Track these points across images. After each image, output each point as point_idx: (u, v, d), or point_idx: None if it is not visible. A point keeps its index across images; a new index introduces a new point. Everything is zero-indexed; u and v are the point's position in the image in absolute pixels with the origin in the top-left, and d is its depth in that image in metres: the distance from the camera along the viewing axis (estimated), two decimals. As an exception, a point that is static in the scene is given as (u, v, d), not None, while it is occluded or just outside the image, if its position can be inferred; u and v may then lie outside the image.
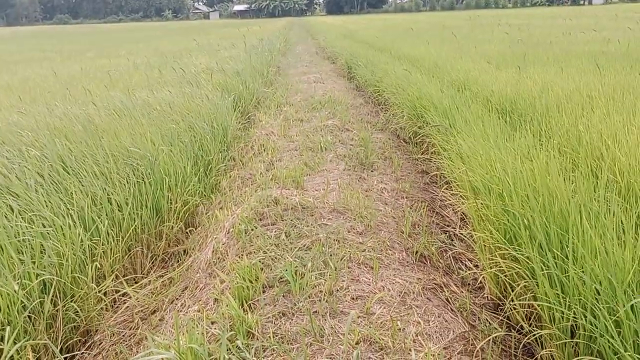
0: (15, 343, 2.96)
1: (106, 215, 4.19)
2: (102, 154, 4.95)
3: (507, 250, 3.46)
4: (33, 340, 3.15)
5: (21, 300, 3.17)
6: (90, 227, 4.04)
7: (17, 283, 3.16)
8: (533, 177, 3.71)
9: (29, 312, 3.23)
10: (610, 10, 46.13)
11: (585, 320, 2.73)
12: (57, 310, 3.39)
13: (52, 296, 3.38)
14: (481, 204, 4.06)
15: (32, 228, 3.65)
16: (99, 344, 3.50)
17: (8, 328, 2.95)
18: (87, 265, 3.76)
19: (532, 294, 3.15)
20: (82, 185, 4.43)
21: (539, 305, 3.05)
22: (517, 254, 3.31)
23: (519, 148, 4.54)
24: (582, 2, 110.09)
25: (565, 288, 2.90)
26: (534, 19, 35.03)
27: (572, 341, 2.85)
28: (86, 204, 4.15)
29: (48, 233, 3.70)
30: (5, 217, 3.67)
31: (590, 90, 6.60)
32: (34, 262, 3.41)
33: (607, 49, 11.87)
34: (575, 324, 2.84)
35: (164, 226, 4.79)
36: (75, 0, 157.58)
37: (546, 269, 2.99)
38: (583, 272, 2.79)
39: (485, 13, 62.05)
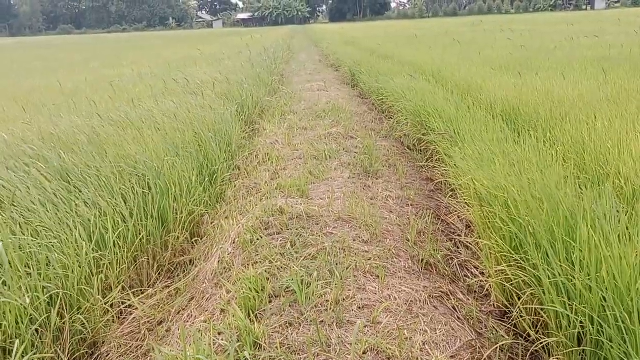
0: (22, 357, 2.96)
1: (112, 226, 4.19)
2: (108, 165, 4.97)
3: (513, 257, 3.46)
4: (40, 353, 3.15)
5: (28, 314, 3.18)
6: (97, 238, 4.05)
7: (29, 297, 3.17)
8: (538, 184, 3.71)
9: (36, 326, 3.23)
10: (613, 14, 46.10)
11: (592, 327, 2.73)
12: (64, 323, 3.39)
13: (59, 308, 3.39)
14: (487, 211, 4.06)
15: (38, 240, 3.67)
16: (106, 356, 3.50)
17: (17, 341, 2.96)
18: (93, 276, 3.76)
19: (539, 302, 3.14)
20: (88, 197, 4.44)
21: (545, 313, 3.05)
22: (524, 263, 3.30)
23: (523, 155, 4.55)
24: (584, 7, 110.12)
25: (571, 295, 2.90)
26: (537, 25, 35.05)
27: (579, 348, 2.84)
28: (92, 215, 4.17)
29: (53, 245, 3.71)
30: (11, 230, 3.69)
31: (594, 95, 6.60)
32: (40, 275, 3.41)
33: (610, 54, 11.86)
34: (582, 331, 2.84)
35: (169, 236, 4.79)
36: (78, 11, 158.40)
37: (552, 277, 2.99)
38: (589, 279, 2.79)
39: (488, 19, 62.10)
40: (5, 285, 3.22)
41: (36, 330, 3.23)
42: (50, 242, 3.71)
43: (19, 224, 3.82)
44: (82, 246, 3.78)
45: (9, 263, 3.36)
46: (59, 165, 4.89)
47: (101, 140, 5.68)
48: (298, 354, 3.00)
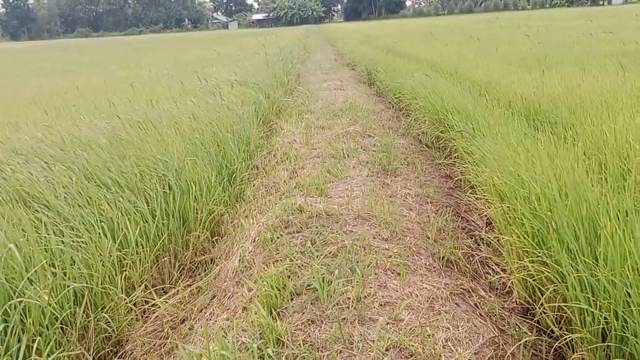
0: (49, 355, 3.01)
1: (134, 226, 4.23)
2: (129, 165, 5.02)
3: (536, 254, 3.44)
4: (67, 351, 3.19)
5: (53, 312, 3.22)
6: (120, 238, 4.09)
7: (46, 292, 3.21)
8: (560, 180, 3.69)
9: (62, 324, 3.28)
10: (630, 9, 45.55)
11: (617, 322, 2.72)
12: (89, 322, 3.43)
13: (84, 307, 3.43)
14: (508, 207, 4.04)
15: (62, 240, 3.71)
16: (130, 354, 3.54)
17: (38, 339, 3.00)
18: (116, 276, 3.81)
19: (562, 298, 3.13)
20: (110, 197, 4.48)
21: (569, 309, 3.04)
22: (546, 259, 3.29)
23: (544, 151, 4.52)
24: (601, 2, 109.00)
25: (595, 291, 2.88)
26: (553, 20, 34.78)
27: (603, 344, 2.83)
28: (115, 215, 4.21)
29: (77, 244, 3.76)
30: (37, 230, 3.73)
31: (614, 91, 6.54)
32: (64, 274, 3.46)
33: (628, 49, 11.75)
34: (607, 327, 2.82)
35: (190, 236, 4.83)
36: (95, 14, 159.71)
37: (575, 272, 2.97)
38: (613, 274, 2.78)
39: (504, 15, 61.70)
40: (32, 284, 3.26)
41: (62, 328, 3.27)
42: (74, 241, 3.75)
43: (45, 223, 3.86)
44: (106, 245, 3.83)
45: (34, 262, 3.42)
46: (82, 166, 4.94)
47: (122, 141, 5.73)
48: (321, 350, 3.01)
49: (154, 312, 3.93)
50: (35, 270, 3.33)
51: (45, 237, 3.66)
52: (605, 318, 2.80)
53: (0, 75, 23.00)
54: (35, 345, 2.96)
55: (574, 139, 4.93)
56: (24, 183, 4.51)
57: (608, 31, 17.25)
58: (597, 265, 2.90)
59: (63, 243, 3.67)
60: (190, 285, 4.32)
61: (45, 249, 3.56)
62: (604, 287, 2.80)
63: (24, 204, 4.26)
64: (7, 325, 3.01)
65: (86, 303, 3.46)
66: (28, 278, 3.26)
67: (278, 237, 4.44)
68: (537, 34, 19.05)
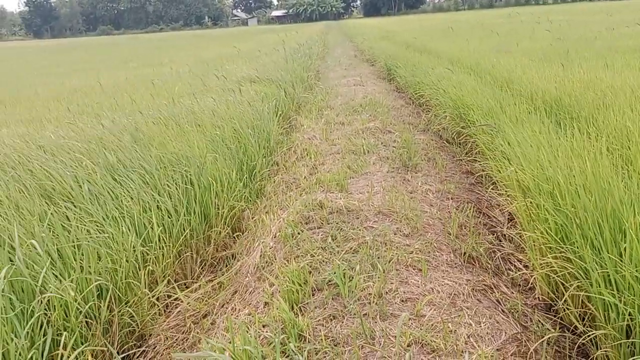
0: (74, 349, 3.05)
1: (157, 221, 4.27)
2: (151, 161, 5.05)
3: (559, 249, 3.42)
4: (91, 345, 3.23)
5: (77, 307, 3.26)
6: (143, 233, 4.13)
7: (72, 287, 3.25)
8: (584, 175, 3.66)
9: (86, 318, 3.32)
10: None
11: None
12: (112, 316, 3.48)
13: (108, 302, 3.47)
14: (531, 203, 4.01)
15: (88, 235, 3.75)
16: (154, 348, 3.58)
17: (65, 334, 3.04)
18: (139, 270, 3.84)
19: (586, 294, 3.10)
20: (134, 193, 4.52)
21: (593, 305, 3.01)
22: (570, 255, 3.26)
23: (567, 146, 4.48)
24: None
25: (619, 287, 2.85)
26: (575, 15, 34.39)
27: (628, 341, 2.80)
28: (137, 211, 4.25)
29: (102, 241, 3.80)
30: (63, 225, 3.78)
31: (637, 86, 6.45)
32: (90, 267, 3.50)
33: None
34: (631, 323, 2.80)
35: (212, 231, 4.86)
36: (117, 12, 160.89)
37: (600, 268, 2.95)
38: (638, 270, 2.75)
39: (525, 10, 61.02)
40: (58, 279, 3.30)
41: (87, 322, 3.32)
42: (99, 237, 3.80)
43: (69, 218, 3.91)
44: (130, 241, 3.87)
45: (61, 257, 3.46)
46: (106, 162, 4.99)
47: (144, 138, 5.78)
48: (342, 346, 3.02)
49: (176, 307, 3.97)
50: (64, 265, 3.38)
51: (73, 232, 3.71)
52: (629, 314, 2.77)
53: (25, 73, 23.32)
54: (62, 340, 2.99)
55: (597, 134, 4.88)
56: (53, 179, 4.57)
57: (632, 25, 16.98)
58: (621, 261, 2.87)
59: (88, 238, 3.71)
60: (212, 281, 4.35)
61: (73, 245, 3.61)
62: (629, 283, 2.77)
63: (49, 199, 4.32)
64: (32, 319, 3.05)
65: (110, 297, 3.50)
66: (53, 274, 3.31)
67: (299, 233, 4.45)
68: (558, 29, 18.82)
